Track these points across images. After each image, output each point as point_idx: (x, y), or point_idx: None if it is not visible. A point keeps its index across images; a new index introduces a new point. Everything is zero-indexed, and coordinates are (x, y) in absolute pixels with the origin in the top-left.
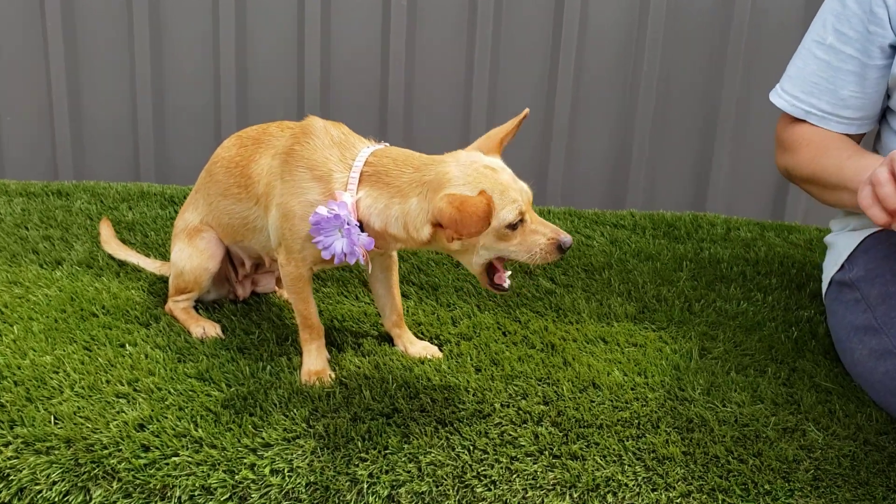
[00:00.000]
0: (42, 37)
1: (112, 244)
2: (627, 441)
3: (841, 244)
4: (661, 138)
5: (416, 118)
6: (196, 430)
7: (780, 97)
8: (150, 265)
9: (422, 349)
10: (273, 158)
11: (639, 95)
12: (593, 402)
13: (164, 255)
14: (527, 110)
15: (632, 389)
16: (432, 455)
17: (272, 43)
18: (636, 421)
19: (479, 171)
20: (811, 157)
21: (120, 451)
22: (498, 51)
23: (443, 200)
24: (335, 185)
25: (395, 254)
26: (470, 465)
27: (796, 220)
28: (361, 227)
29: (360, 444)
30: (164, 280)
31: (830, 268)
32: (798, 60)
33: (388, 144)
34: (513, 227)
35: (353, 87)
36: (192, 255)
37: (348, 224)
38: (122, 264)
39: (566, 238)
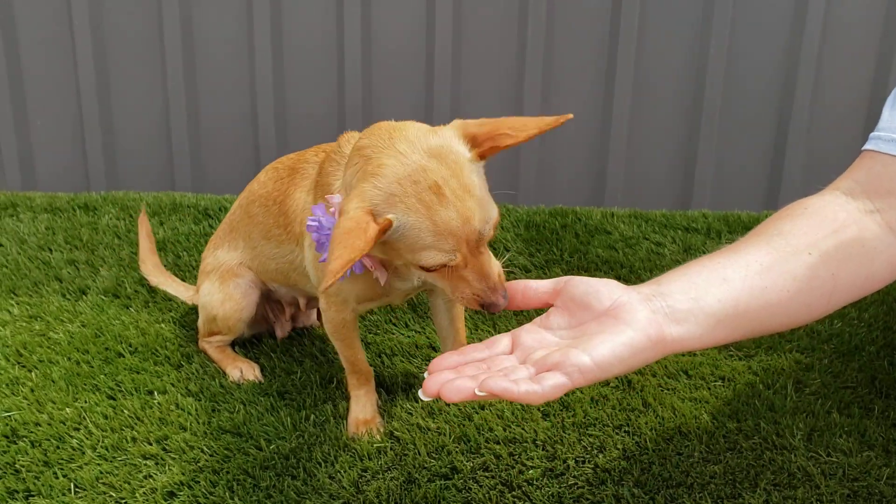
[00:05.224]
0: (71, 45)
1: (148, 264)
2: (723, 503)
3: None
4: (729, 132)
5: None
6: (232, 499)
7: None
8: (184, 293)
9: None
10: (308, 193)
11: (705, 88)
12: (681, 454)
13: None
14: (569, 115)
15: (724, 437)
16: None
17: (309, 47)
18: (731, 477)
19: (417, 188)
20: None
21: None
22: (553, 42)
23: (351, 201)
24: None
25: None
26: None
27: None
28: None
29: None
30: (197, 311)
31: None
32: None
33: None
34: (430, 270)
35: (396, 90)
36: (224, 301)
37: (327, 229)
38: (152, 291)
39: (492, 300)
